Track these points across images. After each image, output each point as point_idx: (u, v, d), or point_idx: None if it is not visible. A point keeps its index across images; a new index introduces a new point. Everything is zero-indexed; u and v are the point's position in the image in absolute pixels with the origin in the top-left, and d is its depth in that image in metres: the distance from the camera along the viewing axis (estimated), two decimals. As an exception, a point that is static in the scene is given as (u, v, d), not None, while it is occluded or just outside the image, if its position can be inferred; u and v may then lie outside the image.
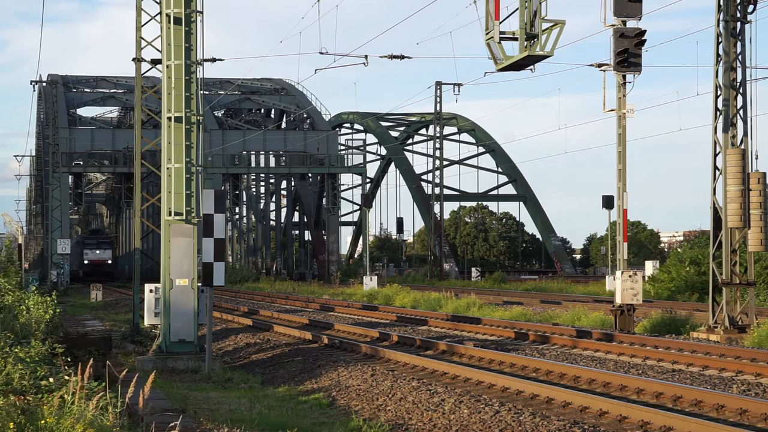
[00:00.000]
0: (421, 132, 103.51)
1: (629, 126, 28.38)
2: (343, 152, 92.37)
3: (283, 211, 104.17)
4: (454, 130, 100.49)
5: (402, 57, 44.28)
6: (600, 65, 28.92)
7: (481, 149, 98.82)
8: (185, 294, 20.98)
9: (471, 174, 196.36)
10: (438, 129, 78.12)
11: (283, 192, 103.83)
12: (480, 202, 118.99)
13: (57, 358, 15.81)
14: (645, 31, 26.74)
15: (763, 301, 37.34)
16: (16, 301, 24.14)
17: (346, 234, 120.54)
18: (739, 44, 26.20)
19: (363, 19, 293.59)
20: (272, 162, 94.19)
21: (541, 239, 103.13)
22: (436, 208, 79.30)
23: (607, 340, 24.15)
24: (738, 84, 26.23)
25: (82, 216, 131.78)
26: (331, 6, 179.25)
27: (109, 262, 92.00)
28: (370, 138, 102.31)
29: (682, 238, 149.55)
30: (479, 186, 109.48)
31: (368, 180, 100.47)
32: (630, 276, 27.30)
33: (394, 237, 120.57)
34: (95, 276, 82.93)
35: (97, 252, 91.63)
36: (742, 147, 25.99)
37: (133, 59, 29.82)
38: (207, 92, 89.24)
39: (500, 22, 20.21)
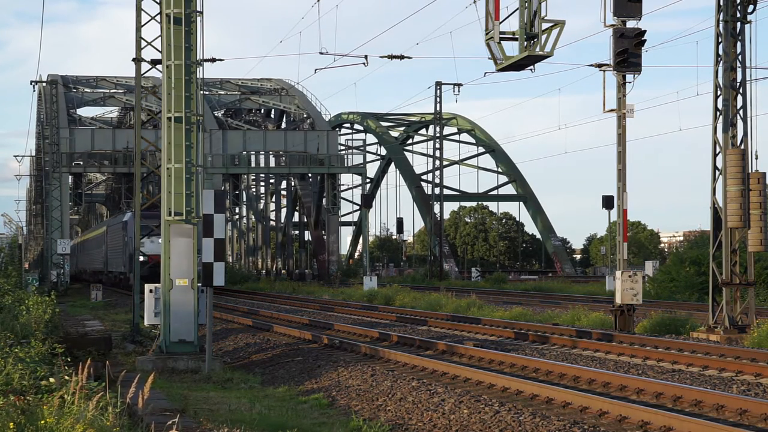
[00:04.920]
0: (421, 132, 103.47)
1: (629, 126, 28.40)
2: (343, 152, 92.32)
3: (283, 211, 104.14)
4: (454, 130, 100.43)
5: (402, 57, 44.29)
6: (600, 65, 28.92)
7: (481, 149, 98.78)
8: (185, 294, 20.98)
9: (471, 174, 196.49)
10: (438, 129, 78.11)
11: (283, 192, 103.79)
12: (480, 202, 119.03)
13: (57, 358, 15.82)
14: (645, 31, 26.75)
15: (763, 301, 37.33)
16: (15, 301, 24.17)
17: (346, 234, 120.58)
18: (739, 44, 26.20)
19: (363, 19, 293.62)
20: (272, 162, 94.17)
21: (541, 239, 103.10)
22: (436, 208, 79.30)
23: (607, 340, 24.15)
24: (738, 84, 26.23)
25: (82, 216, 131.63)
26: (331, 6, 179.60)
27: None
28: (370, 138, 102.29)
29: (682, 238, 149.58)
30: (479, 186, 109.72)
31: (368, 180, 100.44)
32: (630, 276, 27.30)
33: (394, 237, 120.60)
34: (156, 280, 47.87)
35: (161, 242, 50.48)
36: (742, 147, 25.99)
37: (133, 59, 29.77)
38: (207, 92, 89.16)
39: (500, 22, 20.23)
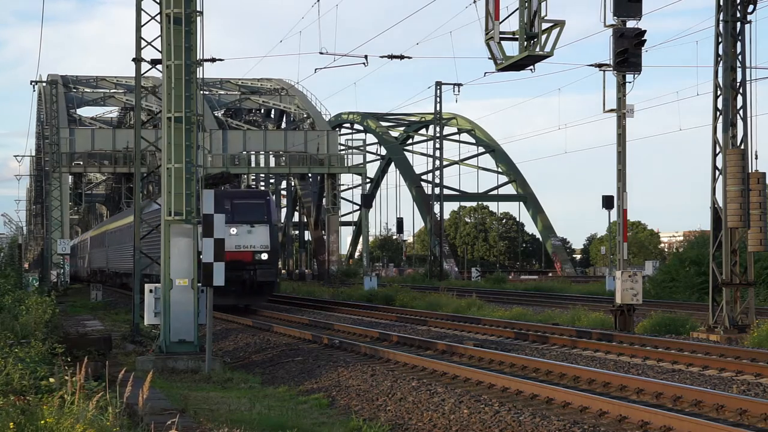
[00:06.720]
0: (421, 132, 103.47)
1: (629, 126, 28.41)
2: (343, 152, 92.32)
3: (283, 211, 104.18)
4: (454, 130, 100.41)
5: (402, 57, 44.25)
6: (600, 65, 28.94)
7: (481, 149, 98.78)
8: (185, 294, 20.97)
9: (471, 174, 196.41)
10: (438, 129, 78.10)
11: (283, 192, 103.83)
12: (480, 202, 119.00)
13: (57, 358, 15.82)
14: (645, 31, 26.78)
15: (763, 301, 37.33)
16: (15, 301, 24.16)
17: (346, 234, 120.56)
18: (739, 44, 26.20)
19: (363, 19, 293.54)
20: (272, 162, 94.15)
21: (541, 239, 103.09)
22: (436, 208, 79.29)
23: (606, 340, 24.15)
24: (738, 84, 26.23)
25: (82, 216, 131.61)
26: (331, 6, 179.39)
27: (265, 256, 39.68)
28: (370, 138, 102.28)
29: (682, 238, 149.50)
30: (479, 186, 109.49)
31: (368, 180, 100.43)
32: (630, 276, 27.30)
33: (394, 237, 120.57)
34: (236, 288, 37.63)
35: (251, 233, 39.64)
36: (742, 147, 25.99)
37: (133, 59, 29.77)
38: (207, 92, 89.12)
39: (500, 22, 20.23)
